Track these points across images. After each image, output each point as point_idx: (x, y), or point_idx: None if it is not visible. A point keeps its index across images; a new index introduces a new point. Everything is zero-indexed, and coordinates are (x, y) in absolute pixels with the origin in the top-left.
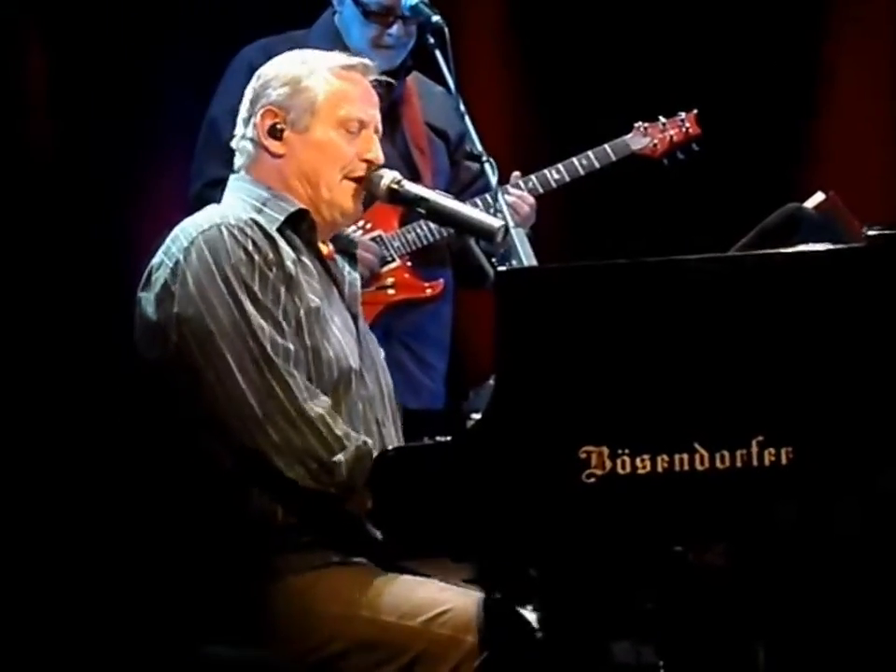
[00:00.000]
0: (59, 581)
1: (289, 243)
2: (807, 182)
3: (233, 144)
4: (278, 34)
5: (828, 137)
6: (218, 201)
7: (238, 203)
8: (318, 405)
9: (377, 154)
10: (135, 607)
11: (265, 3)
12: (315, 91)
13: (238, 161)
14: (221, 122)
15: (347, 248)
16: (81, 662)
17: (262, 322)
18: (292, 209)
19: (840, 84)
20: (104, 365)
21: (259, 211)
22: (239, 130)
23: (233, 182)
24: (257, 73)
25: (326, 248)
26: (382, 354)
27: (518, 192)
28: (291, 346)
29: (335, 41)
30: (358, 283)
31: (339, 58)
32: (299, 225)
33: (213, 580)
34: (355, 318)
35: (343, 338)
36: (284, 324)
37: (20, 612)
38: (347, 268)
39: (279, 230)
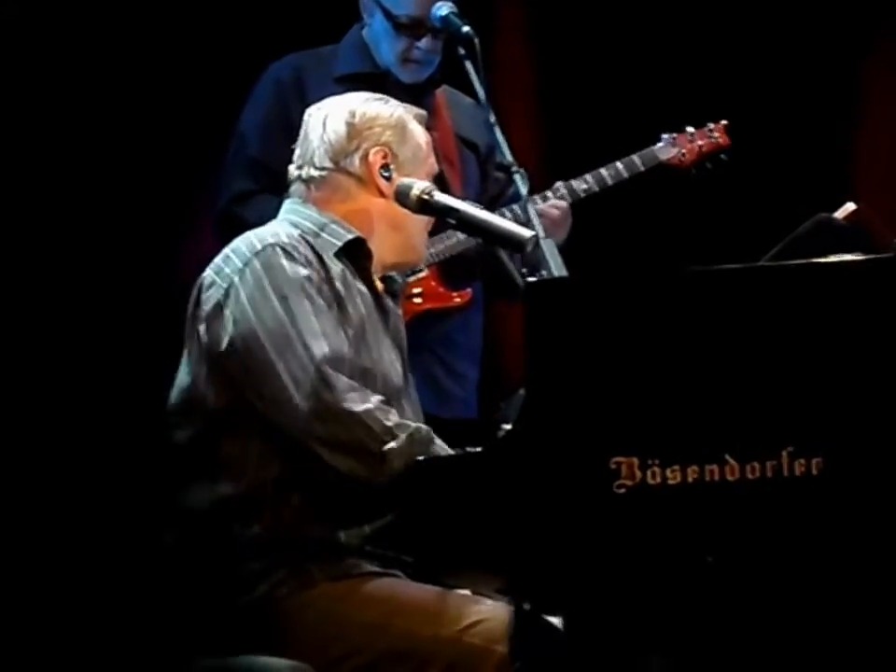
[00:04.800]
0: (89, 594)
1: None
2: (838, 192)
3: (297, 171)
4: (306, 49)
5: (859, 147)
6: (245, 215)
7: (289, 226)
8: (367, 402)
9: None
10: (160, 613)
11: (293, 19)
12: (418, 139)
13: (301, 189)
14: (249, 137)
15: (392, 288)
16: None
17: (316, 328)
18: (351, 236)
19: (873, 93)
20: (151, 380)
21: (317, 235)
22: (321, 160)
23: (290, 206)
24: (346, 108)
25: (379, 284)
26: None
27: (553, 200)
28: (345, 350)
29: (364, 56)
30: (402, 320)
31: (410, 107)
32: (354, 253)
33: (246, 587)
34: (401, 351)
35: (389, 359)
36: (340, 329)
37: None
38: (392, 304)
39: (336, 255)
